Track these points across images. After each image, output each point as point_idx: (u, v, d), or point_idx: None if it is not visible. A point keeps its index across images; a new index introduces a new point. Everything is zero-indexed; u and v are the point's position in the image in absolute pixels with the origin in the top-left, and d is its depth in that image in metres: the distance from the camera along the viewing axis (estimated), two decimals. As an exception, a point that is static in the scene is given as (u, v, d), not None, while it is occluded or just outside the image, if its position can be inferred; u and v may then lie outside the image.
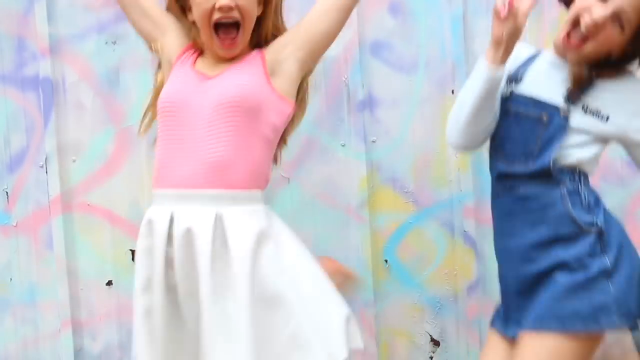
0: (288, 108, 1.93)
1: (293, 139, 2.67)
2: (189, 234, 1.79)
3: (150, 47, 2.05)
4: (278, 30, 1.99)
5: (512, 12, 1.81)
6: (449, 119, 2.03)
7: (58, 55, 2.71)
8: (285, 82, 1.92)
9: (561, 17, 2.62)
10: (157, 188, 1.90)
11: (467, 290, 2.68)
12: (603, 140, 1.95)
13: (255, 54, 1.95)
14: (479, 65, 1.92)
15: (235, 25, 1.85)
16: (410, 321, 2.70)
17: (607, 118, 1.91)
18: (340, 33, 2.66)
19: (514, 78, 2.00)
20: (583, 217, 1.90)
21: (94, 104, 2.73)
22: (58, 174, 2.72)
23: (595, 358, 1.94)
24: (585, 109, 1.91)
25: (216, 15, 1.82)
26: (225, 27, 1.85)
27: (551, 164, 1.90)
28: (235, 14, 1.82)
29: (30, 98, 2.74)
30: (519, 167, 1.95)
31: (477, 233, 2.66)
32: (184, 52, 1.98)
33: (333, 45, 2.67)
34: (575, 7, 1.90)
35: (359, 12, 2.66)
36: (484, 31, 2.67)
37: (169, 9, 2.04)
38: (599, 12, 1.84)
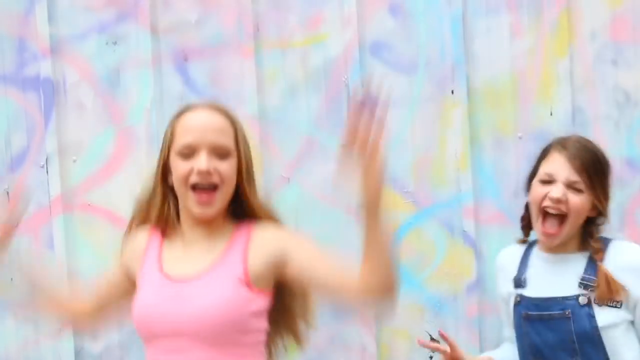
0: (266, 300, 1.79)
1: (293, 139, 2.69)
2: None
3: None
4: (249, 199, 1.82)
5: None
6: None
7: (59, 55, 2.72)
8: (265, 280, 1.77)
9: (561, 17, 2.62)
10: None
11: (466, 290, 2.68)
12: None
13: (235, 233, 1.81)
14: None
15: (214, 188, 1.76)
16: (410, 321, 2.70)
17: (621, 304, 1.97)
18: (340, 33, 2.69)
19: (518, 284, 2.07)
20: None
21: (94, 104, 2.73)
22: (59, 174, 2.72)
23: None
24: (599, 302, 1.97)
25: (193, 179, 1.73)
26: (203, 189, 1.75)
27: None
28: (214, 179, 1.74)
29: (31, 98, 2.74)
30: None
31: (477, 233, 2.66)
32: (147, 244, 1.86)
33: (333, 45, 2.69)
34: (533, 204, 2.01)
35: (359, 12, 2.67)
36: (484, 31, 2.67)
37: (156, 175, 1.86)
38: (555, 191, 1.95)
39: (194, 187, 1.74)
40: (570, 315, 1.96)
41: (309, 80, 2.71)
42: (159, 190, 1.82)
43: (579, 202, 1.96)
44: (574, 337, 1.95)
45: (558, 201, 1.95)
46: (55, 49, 2.71)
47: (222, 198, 1.76)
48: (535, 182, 2.03)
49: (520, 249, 2.14)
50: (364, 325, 2.68)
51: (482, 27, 2.67)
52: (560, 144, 2.02)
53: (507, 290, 2.11)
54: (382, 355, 2.72)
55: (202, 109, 1.80)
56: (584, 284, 1.97)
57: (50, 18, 2.71)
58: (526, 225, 2.12)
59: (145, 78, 2.69)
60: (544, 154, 2.05)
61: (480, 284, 2.67)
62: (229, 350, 1.70)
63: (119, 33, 2.72)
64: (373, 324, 2.69)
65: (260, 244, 1.76)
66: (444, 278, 2.69)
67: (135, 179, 2.72)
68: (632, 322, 1.97)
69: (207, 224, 1.79)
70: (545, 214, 1.98)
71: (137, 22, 2.71)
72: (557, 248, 2.02)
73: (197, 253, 1.78)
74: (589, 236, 2.01)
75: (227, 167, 1.76)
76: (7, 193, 2.75)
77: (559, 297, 1.98)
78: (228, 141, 1.77)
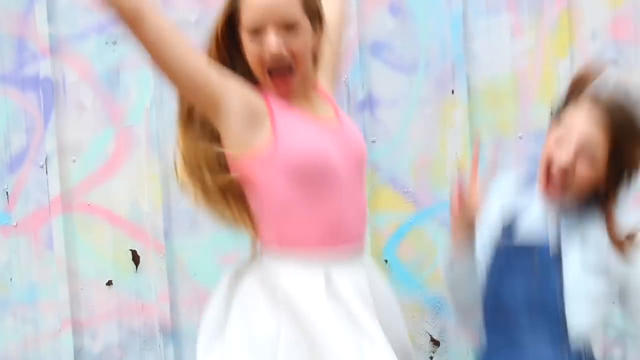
0: None
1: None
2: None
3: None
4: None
5: (463, 207, 1.83)
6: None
7: (58, 55, 2.72)
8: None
9: (561, 17, 2.62)
10: (332, 246, 1.77)
11: (467, 290, 2.68)
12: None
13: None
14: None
15: (289, 70, 1.74)
16: (410, 321, 2.70)
17: None
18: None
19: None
20: None
21: (94, 104, 2.73)
22: (58, 174, 2.72)
23: None
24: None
25: (268, 63, 1.72)
26: (278, 72, 1.74)
27: None
28: (287, 60, 1.72)
29: (31, 98, 2.74)
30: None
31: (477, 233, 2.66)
32: (267, 101, 1.77)
33: (333, 45, 2.69)
34: (543, 156, 1.83)
35: (359, 12, 2.66)
36: (484, 31, 2.67)
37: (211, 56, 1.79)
38: (563, 158, 1.77)
39: (270, 72, 1.73)
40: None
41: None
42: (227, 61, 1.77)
43: (587, 175, 1.78)
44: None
45: (564, 171, 1.77)
46: (54, 49, 2.71)
47: (300, 76, 1.76)
48: (551, 133, 1.83)
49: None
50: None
51: (482, 27, 2.67)
52: (594, 96, 1.79)
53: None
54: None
55: None
56: None
57: (50, 18, 2.70)
58: None
59: (145, 78, 2.69)
60: (574, 97, 1.83)
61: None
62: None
63: (118, 33, 2.71)
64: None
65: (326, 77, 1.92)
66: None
67: (135, 179, 2.72)
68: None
69: (298, 92, 1.79)
70: (548, 171, 1.81)
71: (137, 21, 2.70)
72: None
73: (316, 103, 1.83)
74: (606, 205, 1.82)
75: (298, 42, 1.72)
76: (7, 193, 2.75)
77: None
78: (295, 12, 1.71)
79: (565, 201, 1.83)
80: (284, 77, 1.73)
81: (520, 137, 2.64)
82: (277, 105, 1.76)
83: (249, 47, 1.72)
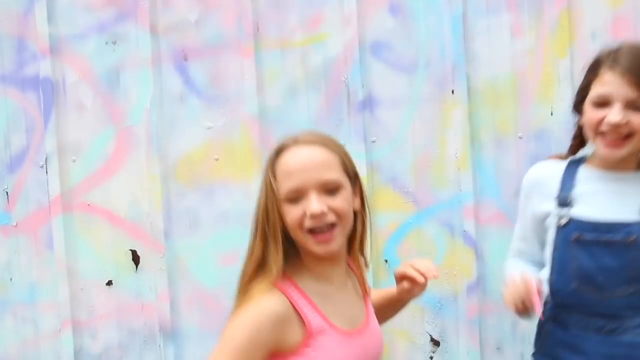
0: None
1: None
2: None
3: None
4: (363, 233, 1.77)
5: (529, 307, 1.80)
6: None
7: (58, 55, 2.72)
8: None
9: (561, 17, 2.62)
10: None
11: (467, 290, 2.68)
12: None
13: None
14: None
15: (332, 227, 1.64)
16: (410, 321, 2.70)
17: None
18: (340, 33, 2.69)
19: (565, 203, 1.88)
20: None
21: (94, 104, 2.73)
22: (58, 174, 2.72)
23: None
24: None
25: (308, 224, 1.61)
26: (320, 231, 1.63)
27: None
28: (330, 218, 1.62)
29: (31, 98, 2.74)
30: (621, 300, 1.83)
31: (477, 233, 2.66)
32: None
33: (333, 45, 2.69)
34: (588, 129, 1.85)
35: (359, 12, 2.66)
36: (484, 31, 2.67)
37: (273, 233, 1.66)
38: (613, 115, 1.78)
39: (311, 231, 1.62)
40: (636, 241, 1.80)
41: (308, 80, 2.70)
42: (271, 239, 1.63)
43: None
44: (638, 264, 1.81)
45: (617, 126, 1.77)
46: (54, 49, 2.71)
47: (342, 232, 1.66)
48: (587, 105, 1.84)
49: (560, 165, 1.95)
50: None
51: (482, 27, 2.67)
52: (612, 58, 1.81)
53: (545, 208, 1.92)
54: (382, 355, 2.71)
55: (300, 145, 1.66)
56: None
57: (50, 18, 2.71)
58: (578, 143, 1.95)
59: (145, 78, 2.69)
60: (594, 73, 1.84)
61: (480, 284, 2.67)
62: None
63: (118, 33, 2.71)
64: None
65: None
66: (444, 278, 2.68)
67: (135, 179, 2.72)
68: None
69: (337, 260, 1.70)
70: (600, 133, 1.82)
71: (137, 21, 2.70)
72: (616, 165, 1.85)
73: (349, 295, 1.74)
74: None
75: (341, 201, 1.64)
76: (7, 193, 2.75)
77: (622, 222, 1.82)
78: (335, 174, 1.65)
79: (626, 152, 1.83)
80: (325, 233, 1.63)
81: (520, 137, 2.64)
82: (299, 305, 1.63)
83: (290, 214, 1.62)
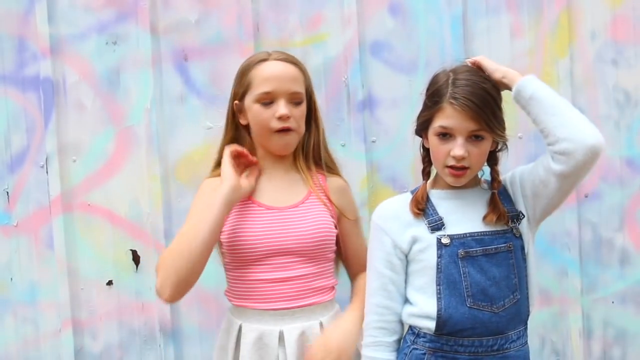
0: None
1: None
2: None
3: None
4: (319, 143, 2.17)
5: None
6: None
7: (58, 55, 2.72)
8: None
9: (561, 17, 2.62)
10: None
11: (467, 290, 2.68)
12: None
13: (312, 174, 2.16)
14: None
15: (290, 130, 2.07)
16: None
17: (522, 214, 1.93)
18: (340, 33, 2.69)
19: (437, 226, 1.91)
20: None
21: (94, 104, 2.73)
22: (58, 174, 2.72)
23: None
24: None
25: (274, 124, 2.04)
26: (282, 130, 2.06)
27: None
28: (291, 123, 2.05)
29: (31, 98, 2.75)
30: (507, 312, 1.87)
31: (477, 233, 2.66)
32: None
33: (333, 45, 2.70)
34: (435, 161, 1.92)
35: (359, 12, 2.67)
36: (484, 31, 2.67)
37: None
38: (457, 150, 1.85)
39: (277, 132, 2.05)
40: (512, 248, 1.89)
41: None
42: (229, 131, 2.14)
43: (483, 150, 1.88)
44: (515, 270, 1.89)
45: (462, 158, 1.85)
46: (55, 49, 2.71)
47: (297, 137, 2.09)
48: (431, 135, 1.90)
49: (403, 197, 1.99)
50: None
51: (482, 27, 2.67)
52: (450, 91, 1.86)
53: (410, 233, 1.92)
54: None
55: (276, 59, 2.08)
56: (511, 216, 1.90)
57: (50, 18, 2.71)
58: (428, 165, 2.00)
59: (145, 78, 2.69)
60: (435, 104, 1.89)
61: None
62: (319, 264, 2.07)
63: (119, 33, 2.72)
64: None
65: (335, 193, 2.15)
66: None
67: (135, 179, 2.73)
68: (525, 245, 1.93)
69: (283, 160, 2.13)
70: (449, 166, 1.89)
71: (137, 22, 2.71)
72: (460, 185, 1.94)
73: (283, 184, 2.12)
74: (493, 165, 1.96)
75: (300, 112, 2.08)
76: (7, 193, 2.76)
77: (496, 231, 1.89)
78: (301, 89, 2.08)
79: (470, 176, 1.91)
80: (286, 132, 2.06)
81: (520, 137, 2.64)
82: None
83: (258, 114, 2.06)
